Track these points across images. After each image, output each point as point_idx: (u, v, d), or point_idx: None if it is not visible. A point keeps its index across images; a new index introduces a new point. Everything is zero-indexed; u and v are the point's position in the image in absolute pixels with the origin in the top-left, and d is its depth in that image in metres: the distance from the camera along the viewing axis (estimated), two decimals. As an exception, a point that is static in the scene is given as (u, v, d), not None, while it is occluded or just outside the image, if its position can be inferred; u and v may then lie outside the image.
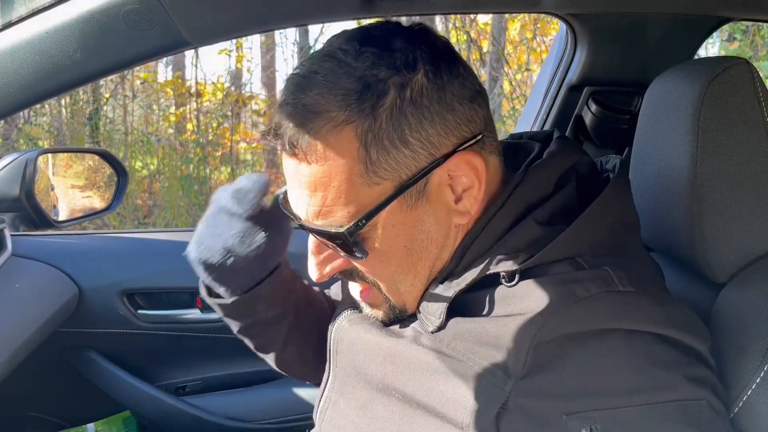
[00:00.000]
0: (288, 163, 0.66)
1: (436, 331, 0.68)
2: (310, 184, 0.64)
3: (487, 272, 0.65)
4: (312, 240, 0.72)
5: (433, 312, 0.69)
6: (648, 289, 0.64)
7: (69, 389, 1.57)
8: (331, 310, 0.93)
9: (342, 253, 0.69)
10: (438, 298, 0.68)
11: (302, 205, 0.67)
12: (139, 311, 1.52)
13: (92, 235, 1.75)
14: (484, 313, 0.66)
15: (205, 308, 1.52)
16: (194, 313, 1.53)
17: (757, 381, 0.65)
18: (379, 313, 0.76)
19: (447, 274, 0.70)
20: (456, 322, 0.67)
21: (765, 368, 0.65)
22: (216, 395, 1.56)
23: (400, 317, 0.75)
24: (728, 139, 0.71)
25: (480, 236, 0.68)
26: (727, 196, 0.71)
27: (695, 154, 0.71)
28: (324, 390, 0.84)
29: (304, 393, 1.54)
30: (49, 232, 1.59)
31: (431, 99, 0.63)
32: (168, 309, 1.54)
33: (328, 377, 0.84)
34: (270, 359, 0.93)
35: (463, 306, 0.68)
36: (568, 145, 0.73)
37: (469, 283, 0.66)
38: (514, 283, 0.64)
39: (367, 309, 0.78)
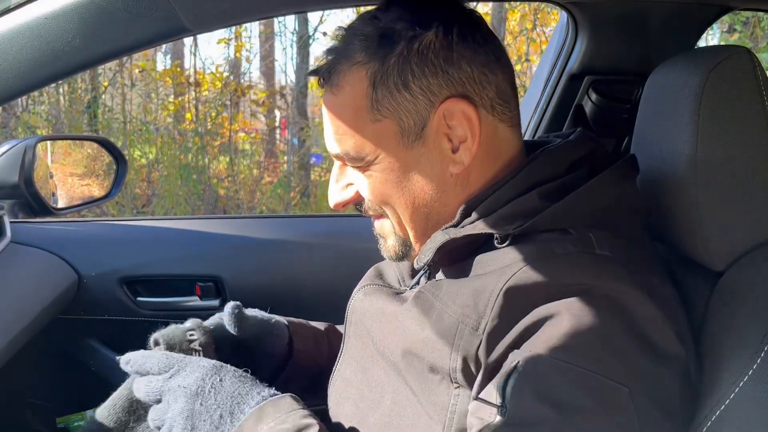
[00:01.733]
0: (323, 98, 0.79)
1: (421, 267, 0.77)
2: (331, 113, 0.77)
3: (483, 230, 0.72)
4: (334, 168, 0.83)
5: (426, 251, 0.76)
6: (625, 258, 0.68)
7: (68, 376, 1.58)
8: None
9: (352, 177, 0.80)
10: (434, 240, 0.76)
11: (328, 132, 0.79)
12: (139, 298, 1.52)
13: (92, 222, 1.75)
14: (474, 271, 0.73)
15: (205, 295, 1.53)
16: (194, 301, 1.53)
17: (754, 367, 0.66)
18: (390, 247, 0.83)
19: (450, 226, 0.77)
20: (450, 281, 0.75)
21: (761, 354, 0.66)
22: (215, 383, 1.57)
23: (407, 252, 0.82)
24: (728, 128, 0.71)
25: (487, 201, 0.74)
26: (727, 185, 0.71)
27: (695, 143, 0.71)
28: (336, 364, 0.90)
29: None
30: (48, 219, 1.59)
31: (437, 54, 0.71)
32: (167, 296, 1.54)
33: (341, 351, 0.90)
34: None
35: (454, 272, 0.76)
36: (586, 137, 0.80)
37: (464, 234, 0.73)
38: (505, 245, 0.71)
39: (382, 244, 0.85)
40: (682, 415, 0.66)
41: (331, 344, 1.02)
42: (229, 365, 0.77)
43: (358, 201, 0.82)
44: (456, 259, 0.76)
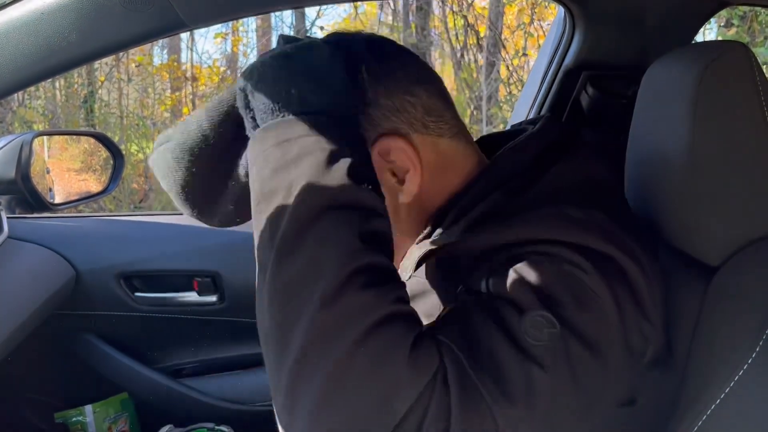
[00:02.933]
0: None
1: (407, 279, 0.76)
2: None
3: (456, 239, 0.71)
4: None
5: (405, 267, 0.75)
6: (600, 221, 0.67)
7: (66, 371, 1.58)
8: None
9: None
10: (411, 256, 0.75)
11: None
12: (136, 294, 1.52)
13: (89, 217, 1.75)
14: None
15: (203, 291, 1.53)
16: (191, 296, 1.54)
17: (749, 362, 0.66)
18: None
19: (423, 238, 0.77)
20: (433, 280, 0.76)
21: (757, 349, 0.66)
22: (213, 377, 1.57)
23: None
24: (725, 123, 0.71)
25: (452, 210, 0.74)
26: (723, 180, 0.72)
27: (692, 138, 0.71)
28: None
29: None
30: (46, 214, 1.59)
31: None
32: (165, 292, 1.54)
33: None
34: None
35: (438, 273, 0.76)
36: (551, 123, 0.79)
37: (442, 243, 0.72)
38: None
39: None
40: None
41: None
42: None
43: None
44: (435, 267, 0.77)
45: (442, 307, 0.71)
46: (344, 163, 0.56)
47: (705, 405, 0.68)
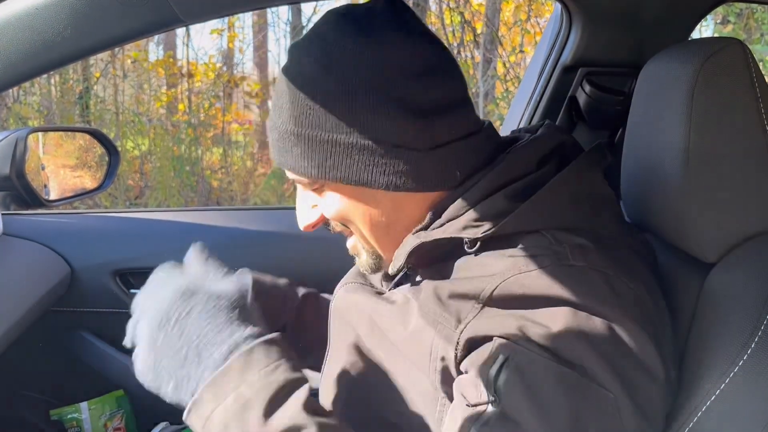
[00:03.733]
0: None
1: (396, 273, 0.77)
2: None
3: (451, 235, 0.71)
4: (298, 191, 0.83)
5: (398, 256, 0.76)
6: (600, 265, 0.68)
7: (62, 369, 1.57)
8: None
9: (313, 199, 0.80)
10: (405, 245, 0.76)
11: None
12: (132, 291, 1.52)
13: (84, 214, 1.74)
14: (455, 275, 0.74)
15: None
16: (187, 293, 1.53)
17: (744, 359, 0.66)
18: (363, 262, 0.84)
19: (420, 229, 0.77)
20: (427, 283, 0.74)
21: (752, 346, 0.66)
22: (209, 374, 1.57)
23: (381, 264, 0.83)
24: (721, 119, 0.71)
25: (454, 204, 0.74)
26: (719, 176, 0.72)
27: (688, 134, 0.71)
28: (324, 363, 0.90)
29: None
30: (41, 211, 1.58)
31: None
32: (161, 289, 1.54)
33: (328, 350, 0.90)
34: None
35: (433, 273, 0.76)
36: (554, 130, 0.80)
37: (433, 239, 0.73)
38: (474, 249, 0.71)
39: (357, 260, 0.86)
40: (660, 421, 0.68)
41: (302, 307, 1.03)
42: (204, 290, 0.71)
43: (325, 221, 0.82)
44: (432, 260, 0.77)
45: (428, 351, 0.70)
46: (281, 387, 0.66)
47: (699, 402, 0.68)
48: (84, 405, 1.54)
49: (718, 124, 0.71)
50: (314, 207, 0.81)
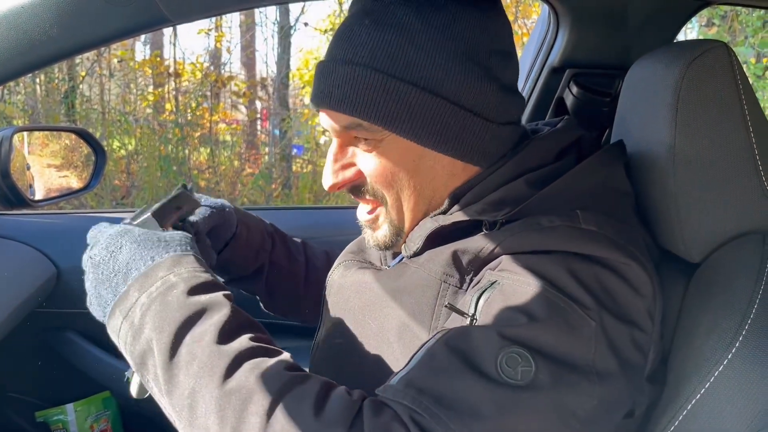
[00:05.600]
0: None
1: (412, 256, 0.77)
2: None
3: (472, 217, 0.72)
4: (333, 145, 0.78)
5: (415, 239, 0.76)
6: (611, 233, 0.68)
7: (48, 370, 1.56)
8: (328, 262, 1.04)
9: (355, 156, 0.77)
10: (423, 227, 0.76)
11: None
12: (119, 292, 1.50)
13: (70, 214, 1.73)
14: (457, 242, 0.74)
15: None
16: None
17: (729, 357, 0.67)
18: (380, 236, 0.81)
19: (438, 214, 0.77)
20: (431, 251, 0.75)
21: (737, 344, 0.67)
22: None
23: (396, 242, 0.81)
24: (706, 121, 0.72)
25: (475, 188, 0.75)
26: (704, 177, 0.72)
27: (673, 136, 0.72)
28: (315, 338, 0.91)
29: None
30: (26, 211, 1.56)
31: None
32: (148, 289, 1.53)
33: (319, 325, 0.90)
34: (261, 303, 1.06)
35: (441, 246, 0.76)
36: (573, 124, 0.81)
37: (453, 221, 0.73)
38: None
39: (368, 234, 0.83)
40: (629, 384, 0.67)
41: (275, 244, 1.05)
42: (138, 228, 0.72)
43: (357, 184, 0.78)
44: (445, 242, 0.76)
45: (432, 304, 0.71)
46: (173, 290, 0.65)
47: (685, 400, 0.69)
48: (70, 407, 1.52)
49: (703, 125, 0.72)
50: (349, 166, 0.78)
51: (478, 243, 0.70)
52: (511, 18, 5.40)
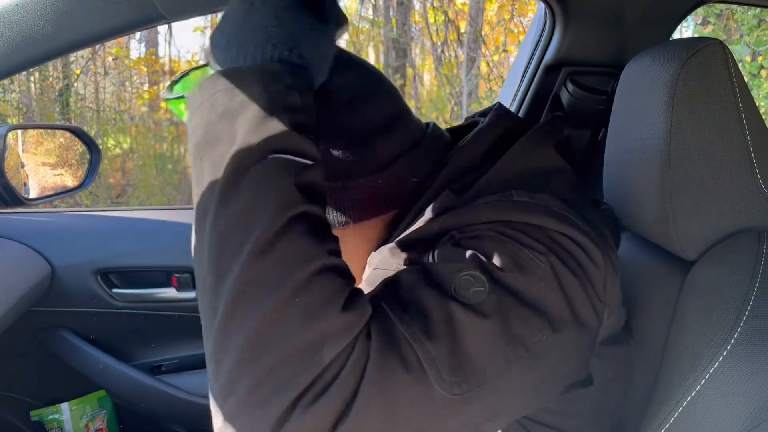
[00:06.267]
0: None
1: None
2: None
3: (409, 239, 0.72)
4: None
5: (371, 263, 0.76)
6: (545, 203, 0.67)
7: (42, 369, 1.56)
8: None
9: None
10: (371, 263, 0.76)
11: None
12: (114, 290, 1.50)
13: (65, 213, 1.72)
14: None
15: (182, 287, 1.52)
16: (170, 292, 1.52)
17: (724, 354, 0.67)
18: None
19: (381, 243, 0.77)
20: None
21: (732, 342, 0.67)
22: (192, 374, 1.56)
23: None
24: (701, 118, 0.72)
25: (408, 214, 0.75)
26: (700, 175, 0.73)
27: (669, 133, 0.72)
28: None
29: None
30: (20, 209, 1.56)
31: None
32: (143, 288, 1.53)
33: None
34: None
35: None
36: (498, 116, 0.79)
37: (389, 248, 0.73)
38: None
39: None
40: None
41: None
42: None
43: None
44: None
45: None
46: (288, 112, 0.56)
47: (680, 398, 0.69)
48: (65, 406, 1.52)
49: (698, 123, 0.72)
50: None
51: (422, 233, 0.70)
52: (507, 16, 5.41)
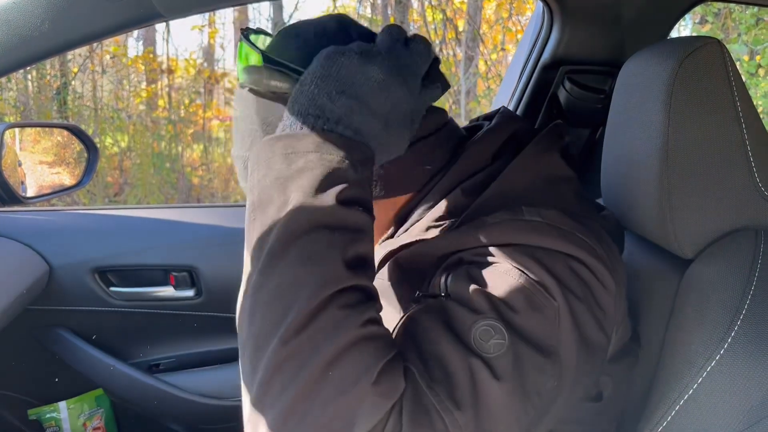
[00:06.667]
0: None
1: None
2: None
3: (415, 238, 0.71)
4: None
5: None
6: (557, 222, 0.66)
7: (40, 367, 1.55)
8: None
9: None
10: (377, 254, 0.75)
11: None
12: (112, 288, 1.50)
13: (62, 211, 1.72)
14: None
15: (179, 286, 1.51)
16: (168, 291, 1.52)
17: (721, 353, 0.67)
18: None
19: (387, 239, 0.77)
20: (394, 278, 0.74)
21: (729, 340, 0.67)
22: (190, 373, 1.56)
23: None
24: (699, 117, 0.72)
25: (416, 209, 0.75)
26: (697, 174, 0.73)
27: (666, 132, 0.72)
28: None
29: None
30: (18, 208, 1.56)
31: None
32: (141, 286, 1.52)
33: None
34: None
35: None
36: (507, 118, 0.79)
37: (401, 245, 0.72)
38: None
39: None
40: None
41: None
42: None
43: None
44: (399, 268, 0.77)
45: (400, 312, 0.70)
46: (341, 185, 0.56)
47: (678, 395, 0.69)
48: (63, 404, 1.52)
49: (696, 121, 0.72)
50: None
51: (429, 249, 0.69)
52: (505, 15, 5.42)
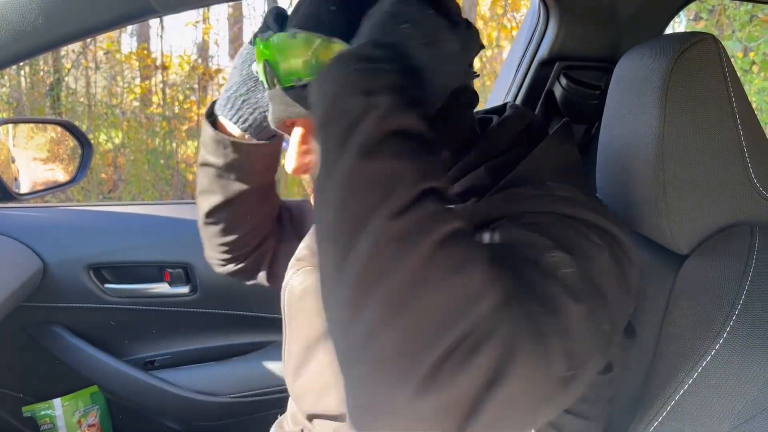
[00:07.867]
0: None
1: None
2: None
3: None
4: (297, 132, 0.76)
5: None
6: (587, 199, 0.67)
7: (34, 364, 1.55)
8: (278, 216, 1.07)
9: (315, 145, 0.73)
10: None
11: None
12: (106, 285, 1.50)
13: (56, 208, 1.71)
14: None
15: (174, 282, 1.51)
16: (162, 287, 1.52)
17: (716, 348, 0.68)
18: None
19: None
20: None
21: (724, 335, 0.67)
22: (185, 369, 1.56)
23: None
24: (694, 113, 0.72)
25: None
26: (692, 169, 0.73)
27: (662, 128, 0.72)
28: (284, 350, 0.91)
29: (274, 366, 1.54)
30: (11, 204, 1.55)
31: None
32: (136, 283, 1.52)
33: (285, 334, 0.90)
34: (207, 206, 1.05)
35: None
36: (521, 110, 0.81)
37: None
38: None
39: None
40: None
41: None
42: None
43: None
44: None
45: None
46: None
47: (673, 391, 0.70)
48: (57, 401, 1.52)
49: (691, 117, 0.72)
50: (312, 152, 0.76)
51: (467, 210, 0.69)
52: (500, 11, 5.41)
